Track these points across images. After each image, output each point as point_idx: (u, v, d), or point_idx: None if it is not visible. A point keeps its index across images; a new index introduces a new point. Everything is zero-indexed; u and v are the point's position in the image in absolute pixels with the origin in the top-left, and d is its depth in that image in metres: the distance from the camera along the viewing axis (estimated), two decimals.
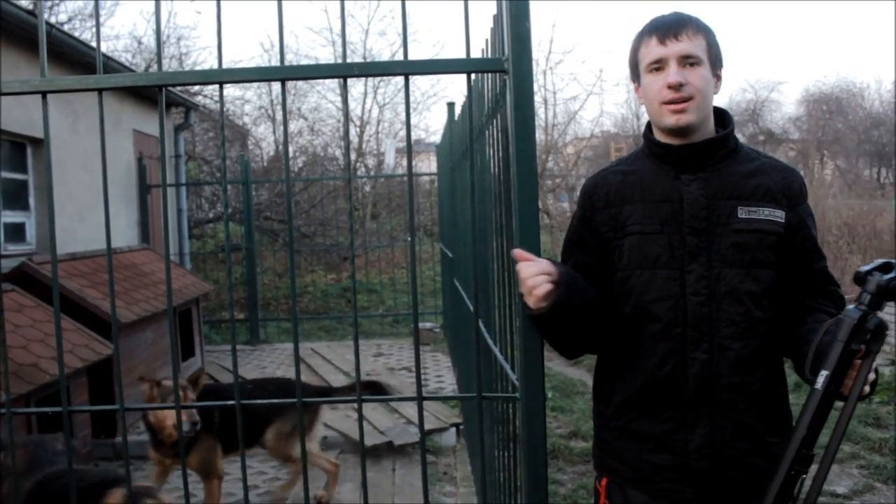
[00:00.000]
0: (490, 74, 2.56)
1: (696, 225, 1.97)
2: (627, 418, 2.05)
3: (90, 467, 4.33)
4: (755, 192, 2.00)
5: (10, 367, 4.08)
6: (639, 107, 26.79)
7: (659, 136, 2.06)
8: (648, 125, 2.12)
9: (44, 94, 1.79)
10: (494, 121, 2.47)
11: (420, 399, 1.78)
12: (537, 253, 1.88)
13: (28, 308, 4.84)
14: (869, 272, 1.73)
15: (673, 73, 1.94)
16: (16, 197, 7.63)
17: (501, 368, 2.56)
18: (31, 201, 7.79)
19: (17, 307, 4.77)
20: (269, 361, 8.54)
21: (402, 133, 20.93)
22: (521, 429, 1.96)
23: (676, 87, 1.94)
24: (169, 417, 3.87)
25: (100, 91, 1.82)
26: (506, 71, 1.84)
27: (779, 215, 2.00)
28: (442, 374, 7.49)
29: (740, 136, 2.12)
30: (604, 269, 2.07)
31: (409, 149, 1.84)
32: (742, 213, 1.98)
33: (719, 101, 2.11)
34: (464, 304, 4.66)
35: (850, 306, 1.74)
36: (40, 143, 7.69)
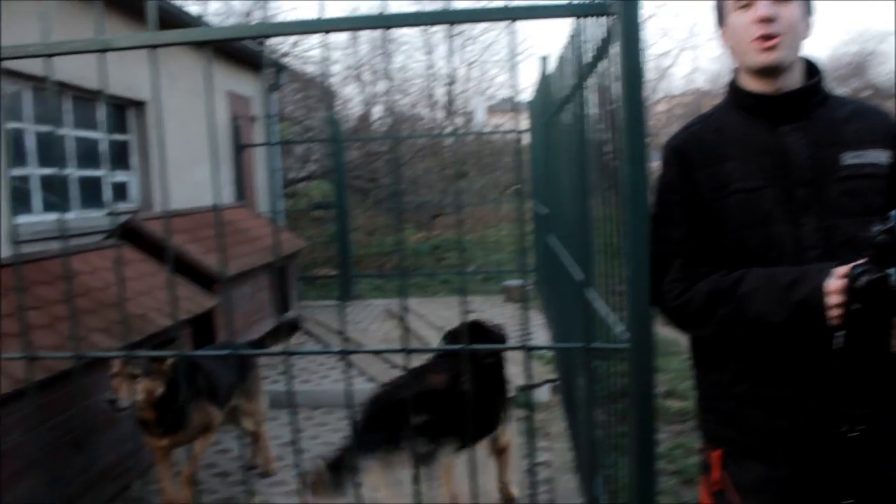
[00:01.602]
0: (590, 22, 2.49)
1: (804, 176, 1.87)
2: (748, 384, 1.95)
3: None
4: (857, 136, 1.90)
5: (120, 318, 4.25)
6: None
7: (747, 84, 1.96)
8: (735, 75, 2.01)
9: (152, 47, 1.81)
10: (598, 69, 2.40)
11: (526, 349, 1.76)
12: (645, 204, 1.82)
13: (135, 262, 5.02)
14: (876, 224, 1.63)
15: (763, 6, 1.84)
16: (118, 157, 7.90)
17: (602, 324, 2.52)
18: (133, 161, 8.06)
19: (125, 261, 4.95)
20: (363, 317, 8.68)
21: (490, 91, 20.85)
22: (630, 382, 1.92)
23: (767, 20, 1.83)
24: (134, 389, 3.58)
25: (205, 43, 1.83)
26: (612, 14, 1.78)
27: (884, 157, 1.89)
28: (534, 331, 7.48)
29: (843, 91, 1.98)
30: (708, 232, 1.95)
31: (515, 102, 1.80)
32: (848, 159, 1.87)
33: (815, 55, 2.00)
34: (560, 259, 4.61)
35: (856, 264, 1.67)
36: (141, 106, 7.92)
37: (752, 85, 1.94)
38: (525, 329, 1.90)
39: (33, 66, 6.04)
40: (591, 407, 1.93)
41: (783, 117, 1.91)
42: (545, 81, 5.39)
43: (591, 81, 2.57)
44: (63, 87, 6.60)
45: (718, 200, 1.93)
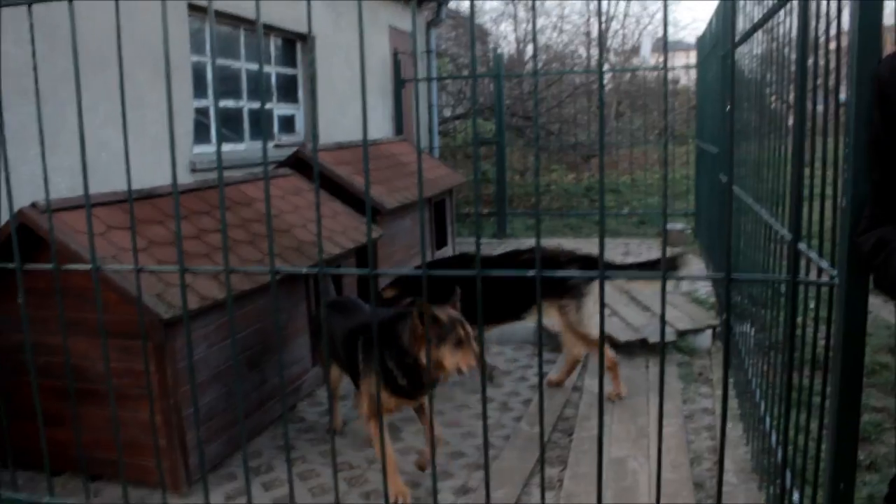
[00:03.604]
0: None
1: None
2: None
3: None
4: None
5: (293, 244, 4.40)
6: None
7: None
8: None
9: None
10: None
11: (728, 280, 1.68)
12: (864, 131, 1.67)
13: (305, 191, 5.18)
14: None
15: None
16: (287, 91, 8.14)
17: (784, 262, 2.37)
18: (300, 94, 8.28)
19: (296, 190, 5.11)
20: None
21: (652, 28, 20.08)
22: (837, 323, 1.80)
23: None
24: (449, 356, 3.27)
25: None
26: None
27: None
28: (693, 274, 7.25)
29: None
30: None
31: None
32: None
33: None
34: (736, 200, 4.40)
35: None
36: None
37: None
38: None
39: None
40: (791, 352, 1.83)
41: None
42: (726, 10, 5.08)
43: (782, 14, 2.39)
44: (238, 20, 6.83)
45: None
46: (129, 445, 3.43)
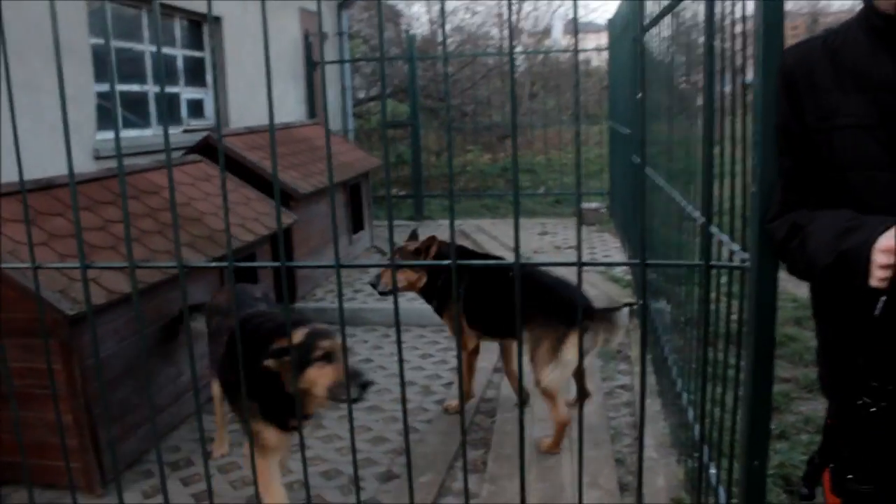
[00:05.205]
0: None
1: None
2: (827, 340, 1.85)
3: (279, 311, 3.65)
4: None
5: (205, 232, 4.27)
6: None
7: (882, 3, 1.63)
8: None
9: None
10: None
11: (643, 265, 1.68)
12: (773, 120, 1.70)
13: (215, 178, 5.03)
14: None
15: None
16: (194, 74, 7.89)
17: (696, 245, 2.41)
18: (208, 78, 8.05)
19: (206, 176, 4.97)
20: None
21: (563, 9, 20.24)
22: (750, 302, 1.84)
23: None
24: None
25: None
26: None
27: None
28: (610, 253, 7.37)
29: None
30: (810, 164, 1.73)
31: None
32: None
33: None
34: (649, 180, 4.46)
35: None
36: (216, 21, 7.85)
37: (887, 5, 1.62)
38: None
39: None
40: (706, 332, 1.86)
41: None
42: None
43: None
44: (139, 1, 6.58)
45: (822, 133, 1.70)
46: (38, 447, 3.26)
